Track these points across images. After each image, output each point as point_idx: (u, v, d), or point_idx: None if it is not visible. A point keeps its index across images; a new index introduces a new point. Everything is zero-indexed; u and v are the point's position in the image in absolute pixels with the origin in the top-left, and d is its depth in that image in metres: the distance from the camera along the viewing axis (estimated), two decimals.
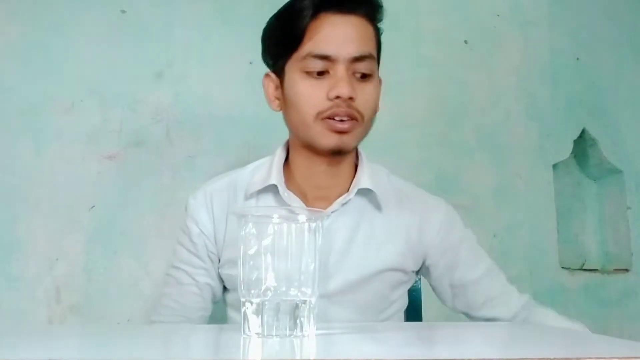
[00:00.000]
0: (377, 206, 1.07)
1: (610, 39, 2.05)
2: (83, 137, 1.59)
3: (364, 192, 1.07)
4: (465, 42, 1.91)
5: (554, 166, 1.95)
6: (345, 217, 1.06)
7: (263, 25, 1.07)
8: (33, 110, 1.57)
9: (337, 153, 1.03)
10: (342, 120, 0.99)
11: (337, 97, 0.98)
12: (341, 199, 1.05)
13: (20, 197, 1.53)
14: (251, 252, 0.66)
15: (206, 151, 1.65)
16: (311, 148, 1.03)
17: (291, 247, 0.66)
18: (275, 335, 0.64)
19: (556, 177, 1.96)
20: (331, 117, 0.99)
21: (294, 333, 0.65)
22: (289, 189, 1.05)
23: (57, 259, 1.53)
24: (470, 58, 1.91)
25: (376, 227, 1.07)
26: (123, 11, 1.66)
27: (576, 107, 1.99)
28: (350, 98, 0.98)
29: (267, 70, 1.09)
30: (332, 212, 1.04)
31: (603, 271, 1.98)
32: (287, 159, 1.10)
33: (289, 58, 1.02)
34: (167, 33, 1.67)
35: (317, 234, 0.68)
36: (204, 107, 1.67)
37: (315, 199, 1.07)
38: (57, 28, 1.61)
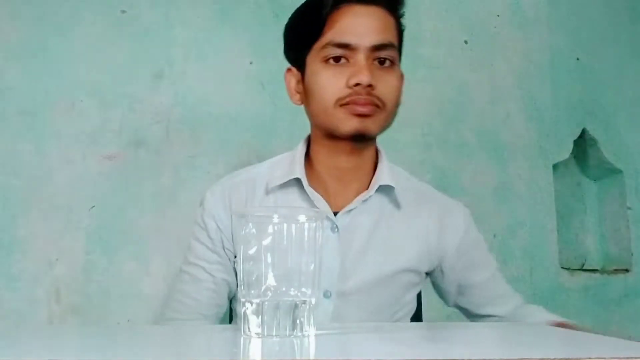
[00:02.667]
0: (397, 205, 1.08)
1: (610, 39, 2.05)
2: (83, 137, 1.59)
3: (384, 190, 1.07)
4: (465, 42, 1.91)
5: (554, 166, 1.95)
6: (364, 216, 1.06)
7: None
8: (33, 110, 1.57)
9: (358, 138, 1.02)
10: (362, 105, 0.99)
11: (357, 85, 0.98)
12: (361, 196, 1.05)
13: (20, 197, 1.53)
14: (251, 252, 0.66)
15: (206, 151, 1.65)
16: (333, 137, 1.03)
17: (291, 247, 0.66)
18: (275, 335, 0.64)
19: (556, 177, 1.96)
20: (351, 104, 0.99)
21: (294, 333, 0.65)
22: (310, 185, 1.05)
23: (57, 259, 1.53)
24: (470, 58, 1.91)
25: (394, 227, 1.07)
26: (123, 11, 1.66)
27: (576, 107, 1.99)
28: (370, 85, 0.98)
29: (282, 67, 1.09)
30: (351, 210, 1.04)
31: (603, 271, 1.98)
32: (307, 153, 1.10)
33: (311, 49, 1.03)
34: (167, 33, 1.68)
35: (317, 234, 0.68)
36: (204, 107, 1.67)
37: (337, 195, 1.06)
38: (57, 28, 1.61)
